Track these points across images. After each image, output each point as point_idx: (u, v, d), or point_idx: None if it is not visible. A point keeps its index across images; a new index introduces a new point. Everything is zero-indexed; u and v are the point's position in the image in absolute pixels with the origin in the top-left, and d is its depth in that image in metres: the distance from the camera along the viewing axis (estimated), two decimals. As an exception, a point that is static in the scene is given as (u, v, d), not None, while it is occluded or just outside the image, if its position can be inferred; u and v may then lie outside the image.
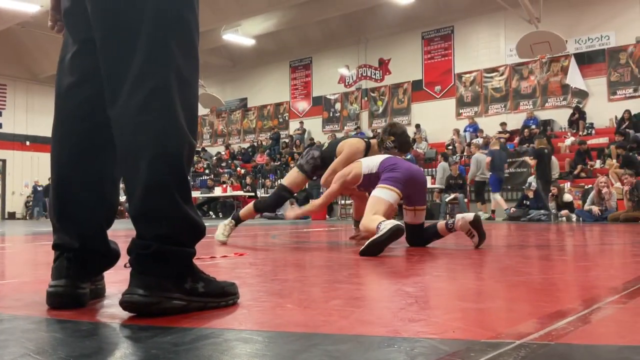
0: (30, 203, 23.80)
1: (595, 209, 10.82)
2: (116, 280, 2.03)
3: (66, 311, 1.54)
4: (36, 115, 25.53)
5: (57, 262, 1.60)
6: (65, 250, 1.59)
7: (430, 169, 15.96)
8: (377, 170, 3.88)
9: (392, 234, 3.24)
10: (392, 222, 3.29)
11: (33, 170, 24.83)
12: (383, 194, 3.70)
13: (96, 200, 1.66)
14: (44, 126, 25.62)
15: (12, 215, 23.69)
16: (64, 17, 1.70)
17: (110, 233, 1.72)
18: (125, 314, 1.49)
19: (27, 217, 23.15)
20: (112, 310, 1.61)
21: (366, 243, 3.31)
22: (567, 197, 11.87)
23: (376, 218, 3.50)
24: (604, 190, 10.88)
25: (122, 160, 1.53)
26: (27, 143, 25.17)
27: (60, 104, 1.68)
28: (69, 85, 1.66)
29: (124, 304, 1.46)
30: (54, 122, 1.70)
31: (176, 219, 1.49)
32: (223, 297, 1.61)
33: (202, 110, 22.43)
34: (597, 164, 13.47)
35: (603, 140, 14.30)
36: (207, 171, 20.90)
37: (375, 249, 3.25)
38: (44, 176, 24.05)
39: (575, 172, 13.43)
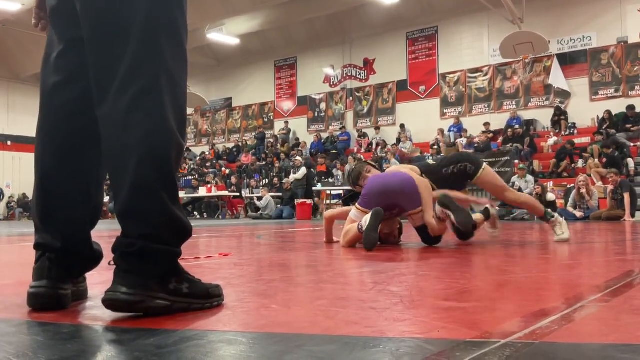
0: (12, 204, 23.50)
1: (579, 214, 10.92)
2: (99, 281, 2.00)
3: (47, 313, 1.51)
4: (18, 115, 25.22)
5: (39, 262, 1.57)
6: (47, 250, 1.57)
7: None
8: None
9: (375, 215, 3.57)
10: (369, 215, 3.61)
11: (14, 170, 24.53)
12: (351, 214, 3.98)
13: (80, 199, 1.63)
14: (25, 126, 25.30)
15: (-8, 216, 23.35)
16: (50, 16, 1.67)
17: (94, 234, 1.70)
18: (108, 316, 1.47)
19: (9, 218, 22.84)
20: (94, 312, 1.59)
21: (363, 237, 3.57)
22: (550, 196, 11.98)
23: (348, 230, 3.86)
24: (583, 190, 10.99)
25: (109, 159, 1.52)
26: (9, 143, 24.86)
27: (45, 103, 1.66)
28: (54, 85, 1.64)
29: (107, 302, 1.44)
30: (38, 121, 1.67)
31: (162, 219, 1.48)
32: (207, 298, 1.59)
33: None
34: (580, 163, 13.60)
35: (585, 139, 14.46)
36: (192, 172, 20.79)
37: (370, 233, 3.50)
38: (25, 176, 23.77)
39: (560, 169, 13.54)
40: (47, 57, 1.69)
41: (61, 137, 1.63)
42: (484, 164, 4.24)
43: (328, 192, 15.52)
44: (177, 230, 1.52)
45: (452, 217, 3.70)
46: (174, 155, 1.51)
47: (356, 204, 4.00)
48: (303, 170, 16.44)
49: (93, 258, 1.70)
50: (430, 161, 4.47)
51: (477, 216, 4.22)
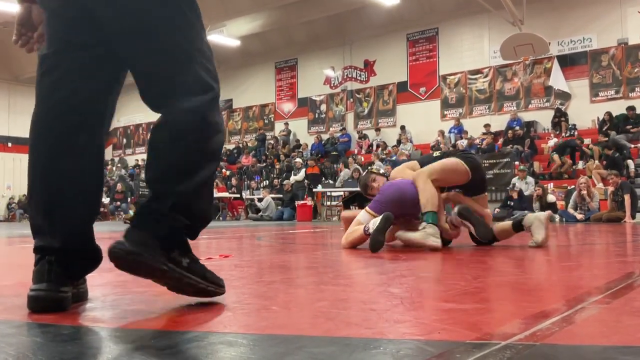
0: (13, 205, 23.51)
1: (579, 215, 10.92)
2: (99, 283, 2.00)
3: (47, 315, 1.51)
4: (18, 117, 25.22)
5: (38, 265, 1.57)
6: (47, 252, 1.57)
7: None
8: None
9: (386, 219, 3.59)
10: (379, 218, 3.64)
11: (15, 171, 24.54)
12: (359, 215, 4.01)
13: (79, 198, 1.64)
14: (26, 127, 24.90)
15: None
16: (48, 17, 1.68)
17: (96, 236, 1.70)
18: (108, 318, 1.47)
19: (9, 219, 22.84)
20: (94, 313, 1.59)
21: (369, 238, 3.61)
22: (551, 197, 11.98)
23: (353, 231, 3.88)
24: (584, 191, 10.99)
25: (168, 141, 1.58)
26: (9, 144, 24.89)
27: (38, 102, 1.68)
28: (48, 85, 1.66)
29: (110, 254, 1.50)
30: (32, 119, 1.68)
31: (201, 198, 1.61)
32: (203, 279, 1.63)
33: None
34: (580, 164, 13.60)
35: (586, 141, 14.45)
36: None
37: (378, 235, 3.55)
38: (26, 178, 23.77)
39: (563, 168, 13.52)
40: (42, 57, 1.69)
41: (53, 137, 1.63)
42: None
43: (327, 193, 15.49)
44: (203, 215, 1.65)
45: (472, 229, 3.75)
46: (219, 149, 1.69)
47: (367, 207, 4.00)
48: (303, 172, 16.46)
49: (93, 258, 1.69)
50: (437, 153, 4.35)
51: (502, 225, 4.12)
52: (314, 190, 15.91)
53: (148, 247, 1.50)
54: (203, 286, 1.62)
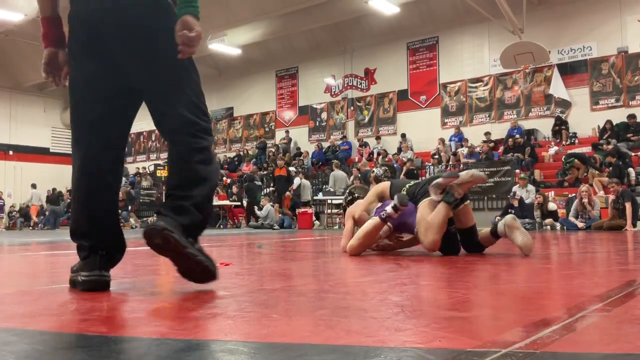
0: (14, 213, 23.49)
1: (580, 223, 10.90)
2: (99, 292, 2.00)
3: (48, 322, 1.52)
4: (20, 125, 25.30)
5: (90, 258, 2.12)
6: (99, 249, 2.12)
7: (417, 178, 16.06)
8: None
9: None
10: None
11: (16, 180, 24.55)
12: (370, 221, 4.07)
13: (114, 210, 2.23)
14: (27, 136, 25.39)
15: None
16: (82, 48, 2.14)
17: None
18: (109, 325, 1.47)
19: (10, 227, 22.81)
20: (94, 321, 1.59)
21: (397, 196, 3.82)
22: (552, 205, 11.97)
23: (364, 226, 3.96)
24: (585, 200, 10.98)
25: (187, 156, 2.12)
26: (10, 152, 24.91)
27: (81, 141, 2.18)
28: (85, 102, 2.15)
29: (148, 229, 1.99)
30: (76, 155, 2.18)
31: (209, 202, 2.17)
32: (208, 260, 2.07)
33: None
34: (581, 173, 13.59)
35: (586, 149, 14.47)
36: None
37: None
38: (27, 186, 23.78)
39: (566, 178, 13.51)
40: (75, 79, 2.17)
41: (93, 173, 2.18)
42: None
43: (327, 201, 15.47)
44: (209, 214, 2.15)
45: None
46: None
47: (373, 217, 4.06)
48: (297, 180, 16.46)
49: (122, 251, 2.25)
50: (411, 183, 4.27)
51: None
52: (316, 197, 15.88)
53: (177, 228, 1.96)
54: (208, 264, 2.06)
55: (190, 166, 2.08)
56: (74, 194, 2.19)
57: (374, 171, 4.50)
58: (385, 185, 4.40)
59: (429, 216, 3.78)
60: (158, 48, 2.08)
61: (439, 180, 3.84)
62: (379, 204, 4.24)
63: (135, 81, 2.14)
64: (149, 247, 2.01)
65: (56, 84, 2.31)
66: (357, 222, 4.35)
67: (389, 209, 3.89)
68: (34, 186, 23.22)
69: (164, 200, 2.13)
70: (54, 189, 24.28)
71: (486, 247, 4.04)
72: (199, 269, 2.05)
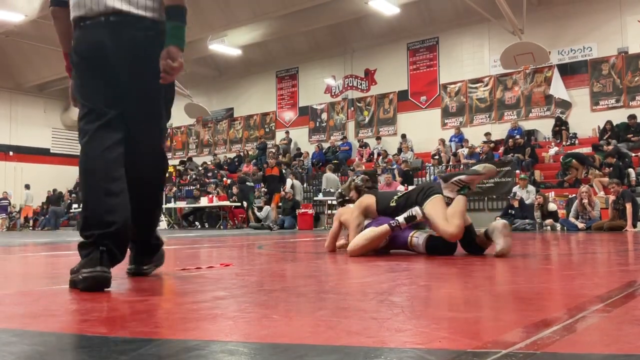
0: (14, 214, 23.49)
1: (580, 224, 10.90)
2: (97, 293, 2.00)
3: (48, 323, 1.52)
4: (20, 126, 25.28)
5: (92, 254, 2.20)
6: (100, 244, 2.22)
7: (417, 178, 16.05)
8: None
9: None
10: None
11: (16, 180, 24.54)
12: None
13: (127, 214, 2.38)
14: (27, 136, 25.38)
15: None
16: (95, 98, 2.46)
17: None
18: (108, 327, 1.47)
19: (10, 228, 22.81)
20: (94, 322, 1.59)
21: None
22: (552, 206, 11.96)
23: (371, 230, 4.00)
24: (585, 200, 10.98)
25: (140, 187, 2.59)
26: (11, 153, 24.90)
27: (89, 149, 2.42)
28: (107, 146, 2.41)
29: (131, 273, 2.76)
30: (83, 158, 2.42)
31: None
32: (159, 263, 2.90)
33: (188, 120, 22.40)
34: (582, 173, 13.59)
35: (586, 150, 14.46)
36: (193, 182, 20.81)
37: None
38: (27, 187, 23.75)
39: (566, 178, 13.51)
40: (87, 131, 2.44)
41: (112, 176, 2.40)
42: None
43: (327, 201, 15.46)
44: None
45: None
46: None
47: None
48: (289, 182, 16.50)
49: (124, 251, 2.41)
50: (393, 203, 4.22)
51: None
52: (316, 198, 15.88)
53: (143, 265, 2.82)
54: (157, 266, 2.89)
55: (150, 212, 2.76)
56: (85, 183, 2.36)
57: (353, 179, 4.52)
58: (370, 200, 4.34)
59: (450, 207, 3.87)
60: (152, 73, 2.38)
61: (462, 177, 3.91)
62: (378, 218, 4.24)
63: (126, 98, 2.48)
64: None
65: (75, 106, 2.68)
66: (344, 225, 4.40)
67: (400, 218, 3.91)
68: (27, 187, 23.21)
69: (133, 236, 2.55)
70: (54, 190, 24.30)
71: (485, 249, 4.04)
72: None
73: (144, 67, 2.43)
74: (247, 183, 16.80)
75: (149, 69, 2.39)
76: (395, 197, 4.19)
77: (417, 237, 4.07)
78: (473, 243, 4.01)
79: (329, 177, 16.00)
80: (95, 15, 2.40)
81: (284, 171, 16.80)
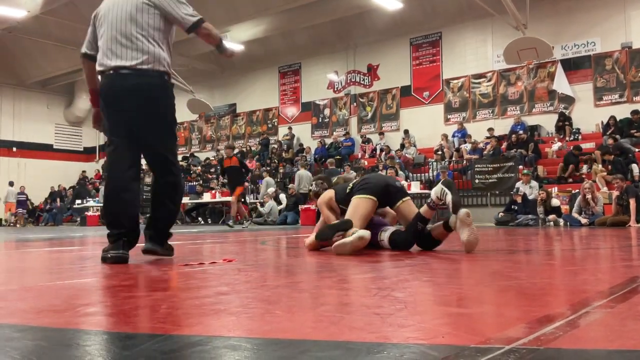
0: (18, 209, 23.55)
1: (583, 219, 10.88)
2: (101, 286, 2.00)
3: (51, 318, 1.52)
4: (23, 122, 25.31)
5: (116, 242, 3.29)
6: (124, 236, 3.31)
7: (420, 174, 16.05)
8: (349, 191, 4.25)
9: (356, 240, 3.73)
10: (358, 233, 3.74)
11: (20, 176, 24.59)
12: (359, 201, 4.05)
13: (136, 211, 3.51)
14: (30, 132, 25.42)
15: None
16: (107, 107, 3.48)
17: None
18: (111, 323, 1.47)
19: (15, 224, 22.87)
20: (97, 318, 1.59)
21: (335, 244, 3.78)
22: (555, 201, 11.95)
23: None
24: (588, 196, 10.96)
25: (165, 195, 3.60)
26: (14, 149, 24.95)
27: (109, 168, 3.52)
28: (121, 166, 3.42)
29: (146, 250, 3.54)
30: (107, 169, 3.57)
31: (172, 222, 3.73)
32: (170, 252, 3.68)
33: (190, 116, 22.37)
34: (584, 169, 13.57)
35: (589, 145, 14.43)
36: (197, 177, 20.82)
37: (342, 249, 3.74)
38: (30, 182, 23.82)
39: (567, 174, 13.50)
40: (110, 153, 3.50)
41: (126, 189, 3.43)
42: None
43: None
44: (172, 225, 3.69)
45: (449, 196, 3.77)
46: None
47: (363, 194, 4.07)
48: (266, 180, 16.62)
49: (137, 239, 3.46)
50: (350, 186, 4.32)
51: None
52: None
53: (159, 246, 3.60)
54: (170, 254, 3.66)
55: (166, 204, 3.59)
56: (110, 196, 3.41)
57: (310, 190, 4.66)
58: (329, 194, 4.42)
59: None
60: (159, 112, 3.44)
61: (433, 198, 3.91)
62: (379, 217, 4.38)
63: (141, 130, 3.42)
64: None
65: (100, 130, 3.75)
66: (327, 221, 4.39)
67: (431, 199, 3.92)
68: (11, 184, 23.21)
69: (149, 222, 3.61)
70: (58, 186, 24.34)
71: (441, 241, 4.02)
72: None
73: (148, 104, 3.37)
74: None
75: (152, 106, 3.39)
76: (350, 185, 4.29)
77: (385, 232, 4.12)
78: (423, 237, 4.00)
79: (302, 175, 15.99)
80: (110, 69, 3.36)
81: (244, 161, 16.26)
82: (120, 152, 3.38)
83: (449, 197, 3.75)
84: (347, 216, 4.01)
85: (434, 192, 3.86)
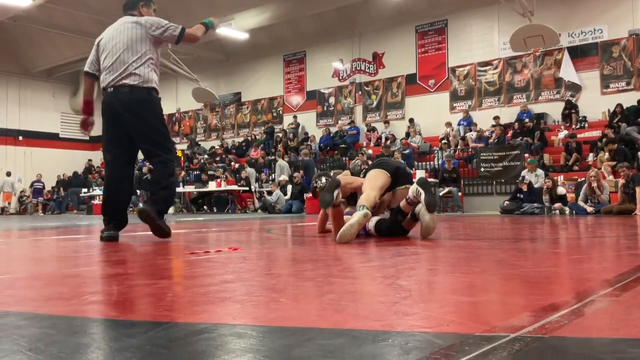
0: (24, 198, 23.67)
1: (589, 208, 10.85)
2: (108, 274, 2.01)
3: (59, 306, 1.53)
4: (29, 110, 25.36)
5: (109, 224, 4.24)
6: (113, 219, 4.26)
7: (424, 163, 16.02)
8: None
9: (362, 218, 3.82)
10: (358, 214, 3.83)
11: (26, 165, 24.68)
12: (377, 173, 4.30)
13: (127, 198, 4.47)
14: (36, 121, 25.47)
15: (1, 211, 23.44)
16: (106, 119, 4.39)
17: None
18: (117, 311, 1.48)
19: (21, 212, 23.00)
20: (104, 306, 1.60)
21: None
22: (561, 190, 11.91)
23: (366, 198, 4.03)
24: (594, 184, 10.92)
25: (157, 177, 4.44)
26: (20, 138, 25.02)
27: (110, 160, 4.44)
28: (115, 154, 4.39)
29: (140, 210, 4.19)
30: (106, 169, 4.52)
31: (170, 199, 4.50)
32: (166, 226, 4.24)
33: (195, 105, 22.37)
34: (590, 157, 13.51)
35: (596, 133, 14.35)
36: (203, 166, 20.84)
37: (350, 229, 3.78)
38: (36, 171, 23.90)
39: (570, 162, 13.45)
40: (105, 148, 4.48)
41: (117, 176, 4.42)
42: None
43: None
44: (168, 204, 4.46)
45: (422, 195, 3.94)
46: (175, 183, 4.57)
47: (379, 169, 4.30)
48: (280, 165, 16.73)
49: (125, 224, 4.42)
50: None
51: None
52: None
53: (152, 210, 4.16)
54: (164, 228, 4.19)
55: (160, 179, 4.35)
56: (104, 193, 4.45)
57: (316, 187, 4.72)
58: (345, 174, 4.79)
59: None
60: (147, 120, 4.30)
61: (411, 195, 4.06)
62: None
63: (134, 135, 4.31)
64: (139, 218, 4.16)
65: (86, 133, 4.86)
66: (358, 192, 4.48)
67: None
68: (8, 174, 23.26)
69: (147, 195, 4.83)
70: (63, 174, 24.43)
71: (409, 230, 4.26)
72: (159, 230, 4.21)
73: (138, 116, 4.24)
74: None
75: (142, 115, 4.25)
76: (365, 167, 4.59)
77: (371, 222, 4.24)
78: (399, 225, 4.20)
79: (282, 165, 16.05)
80: (110, 86, 4.28)
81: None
82: (115, 158, 4.36)
83: (422, 197, 3.95)
84: (365, 184, 4.23)
85: (411, 191, 4.06)
